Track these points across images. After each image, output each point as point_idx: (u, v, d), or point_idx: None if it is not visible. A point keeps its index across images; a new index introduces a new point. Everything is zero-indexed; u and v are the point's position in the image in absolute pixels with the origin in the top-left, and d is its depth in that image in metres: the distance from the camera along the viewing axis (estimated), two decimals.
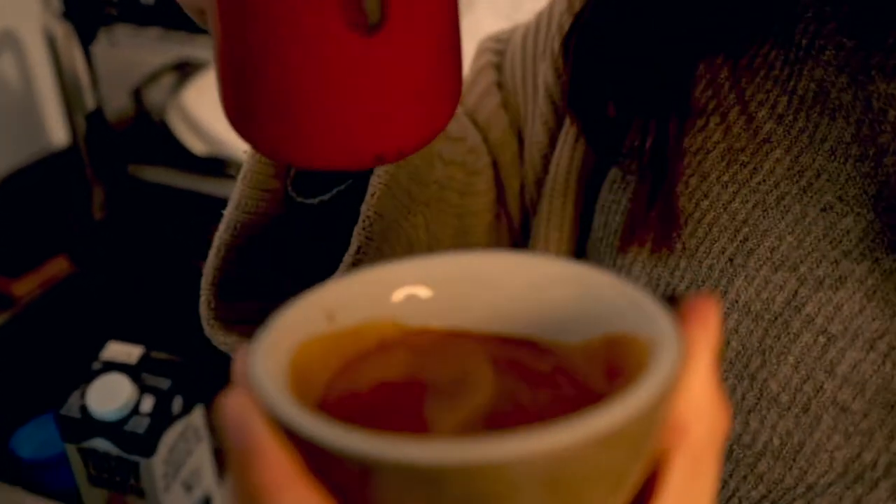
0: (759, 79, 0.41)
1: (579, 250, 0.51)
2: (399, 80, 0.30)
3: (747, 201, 0.40)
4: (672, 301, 0.27)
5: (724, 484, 0.39)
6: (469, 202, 0.50)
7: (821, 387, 0.36)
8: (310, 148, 0.32)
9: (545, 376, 0.28)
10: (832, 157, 0.39)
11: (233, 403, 0.24)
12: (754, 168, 0.41)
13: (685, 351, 0.24)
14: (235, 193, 0.47)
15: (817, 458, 0.36)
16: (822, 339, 0.37)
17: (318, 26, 0.29)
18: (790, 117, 0.40)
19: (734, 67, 0.42)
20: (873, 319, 0.35)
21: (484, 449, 0.20)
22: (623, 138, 0.46)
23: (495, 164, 0.54)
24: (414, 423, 0.26)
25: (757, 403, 0.38)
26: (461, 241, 0.49)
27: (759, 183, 0.40)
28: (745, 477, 0.38)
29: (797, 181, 0.39)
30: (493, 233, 0.54)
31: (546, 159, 0.52)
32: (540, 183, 0.52)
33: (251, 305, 0.50)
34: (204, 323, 0.52)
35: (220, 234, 0.48)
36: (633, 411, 0.21)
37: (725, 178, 0.41)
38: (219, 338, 0.51)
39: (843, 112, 0.38)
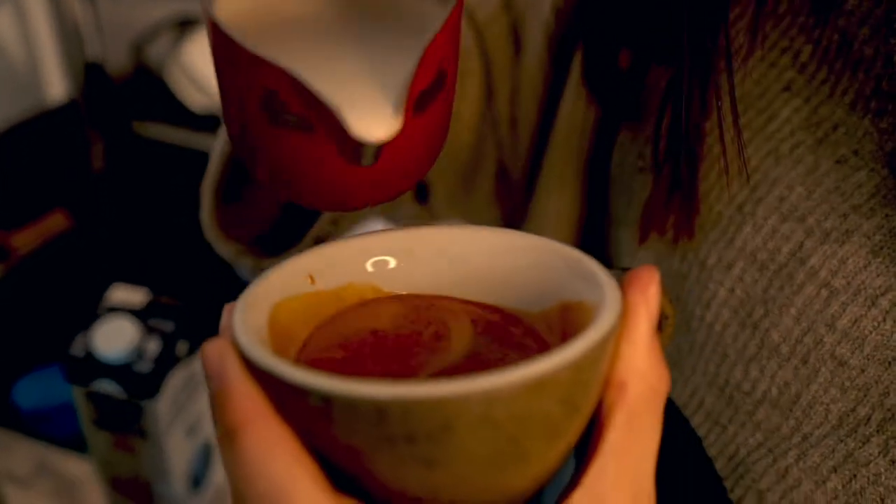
0: (783, 25, 0.40)
1: (590, 206, 0.51)
2: (393, 179, 0.31)
3: (760, 149, 0.40)
4: (626, 271, 0.29)
5: (723, 429, 0.40)
6: (456, 106, 0.50)
7: (820, 340, 0.36)
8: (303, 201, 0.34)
9: (517, 337, 0.30)
10: (851, 111, 0.38)
11: (212, 348, 0.27)
12: (770, 116, 0.40)
13: (624, 316, 0.27)
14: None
15: (813, 409, 0.36)
16: (824, 293, 0.37)
17: (316, 158, 0.30)
18: (813, 67, 0.40)
19: (758, 11, 0.41)
20: (877, 276, 0.35)
21: (424, 387, 0.23)
22: (636, 98, 0.45)
23: (487, 68, 0.53)
24: (396, 371, 0.29)
25: (758, 353, 0.38)
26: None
27: (774, 131, 0.40)
28: (743, 424, 0.39)
29: (813, 132, 0.39)
30: (478, 136, 0.54)
31: (546, 77, 0.51)
32: (539, 102, 0.52)
33: (251, 211, 0.50)
34: (206, 231, 0.52)
35: (221, 141, 0.48)
36: (562, 362, 0.23)
37: (741, 122, 0.40)
38: (220, 247, 0.52)
39: (864, 66, 0.38)
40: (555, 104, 0.51)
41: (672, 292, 0.42)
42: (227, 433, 0.26)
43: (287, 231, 0.53)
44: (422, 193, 0.56)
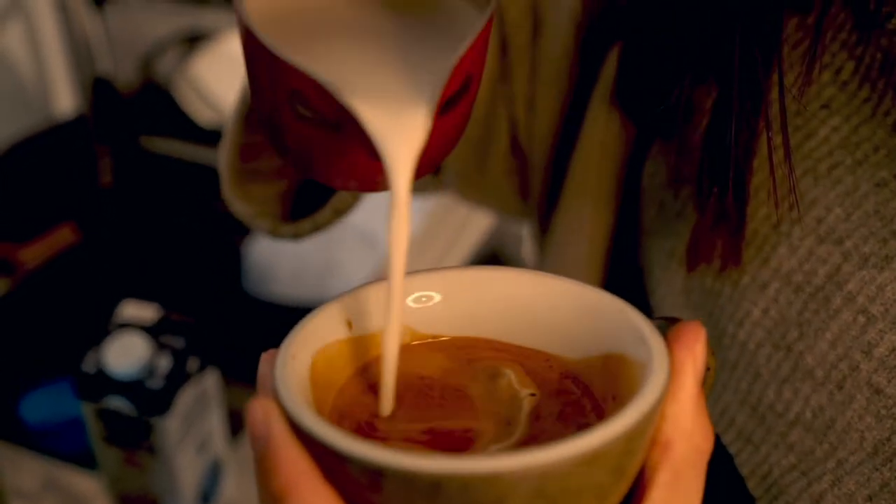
0: (825, 40, 0.39)
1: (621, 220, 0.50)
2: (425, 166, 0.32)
3: (797, 167, 0.39)
4: (669, 321, 0.29)
5: (755, 448, 0.39)
6: None
7: (856, 366, 0.36)
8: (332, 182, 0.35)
9: (570, 393, 0.30)
10: (893, 133, 0.37)
11: (257, 408, 0.27)
12: (808, 134, 0.39)
13: (670, 375, 0.27)
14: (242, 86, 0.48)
15: (848, 435, 0.36)
16: (861, 319, 0.36)
17: (341, 152, 0.31)
18: (854, 85, 0.38)
19: (816, 39, 0.39)
20: None
21: (481, 463, 0.23)
22: (674, 117, 0.43)
23: (504, 46, 0.52)
24: (448, 430, 0.29)
25: (791, 374, 0.38)
26: None
27: (812, 150, 0.39)
28: (776, 444, 0.38)
29: (853, 153, 0.38)
30: (489, 111, 0.53)
31: (571, 67, 0.50)
32: (563, 94, 0.51)
33: (272, 162, 0.50)
34: (223, 189, 0.52)
35: (240, 101, 0.49)
36: (615, 435, 0.24)
37: (777, 140, 0.39)
38: (237, 206, 0.52)
39: None
40: (581, 103, 0.50)
41: (704, 309, 0.42)
42: (274, 499, 0.26)
43: (306, 196, 0.53)
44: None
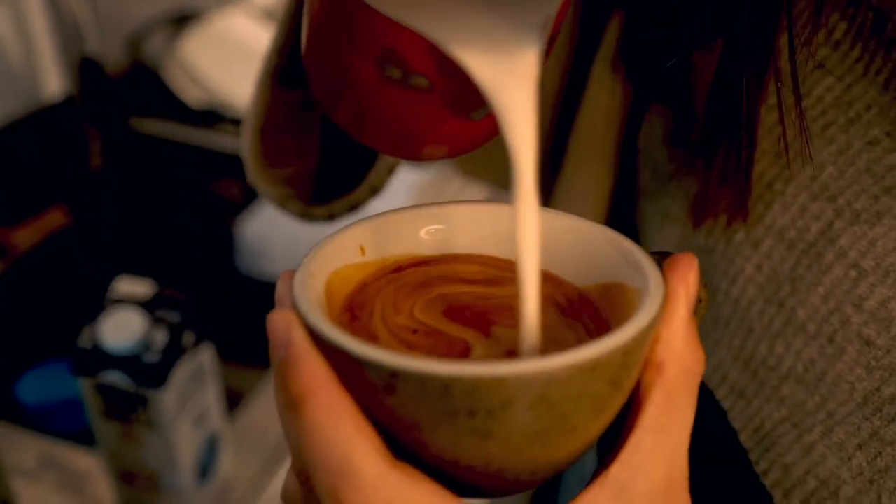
0: (815, 1, 0.39)
1: (619, 189, 0.51)
2: (478, 134, 0.32)
3: (792, 127, 0.39)
4: (663, 255, 0.31)
5: (748, 402, 0.40)
6: None
7: (847, 320, 0.36)
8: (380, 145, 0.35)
9: (568, 301, 0.32)
10: (885, 91, 0.37)
11: (278, 318, 0.28)
12: (803, 93, 0.39)
13: (665, 301, 0.28)
14: (272, 38, 0.48)
15: (838, 387, 0.37)
16: (853, 273, 0.36)
17: (423, 115, 0.30)
18: (847, 45, 0.39)
19: None
20: None
21: (489, 367, 0.24)
22: (677, 78, 0.44)
23: None
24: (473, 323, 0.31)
25: (783, 329, 0.39)
26: None
27: (806, 108, 0.39)
28: (768, 398, 0.39)
29: (846, 111, 0.38)
30: None
31: (572, 32, 0.50)
32: (564, 58, 0.51)
33: (291, 142, 0.50)
34: (249, 173, 0.53)
35: (267, 60, 0.49)
36: (613, 347, 0.25)
37: (771, 100, 0.39)
38: (265, 190, 0.53)
39: None
40: (581, 71, 0.51)
41: (700, 268, 0.43)
42: (292, 402, 0.26)
43: (334, 177, 0.53)
44: None
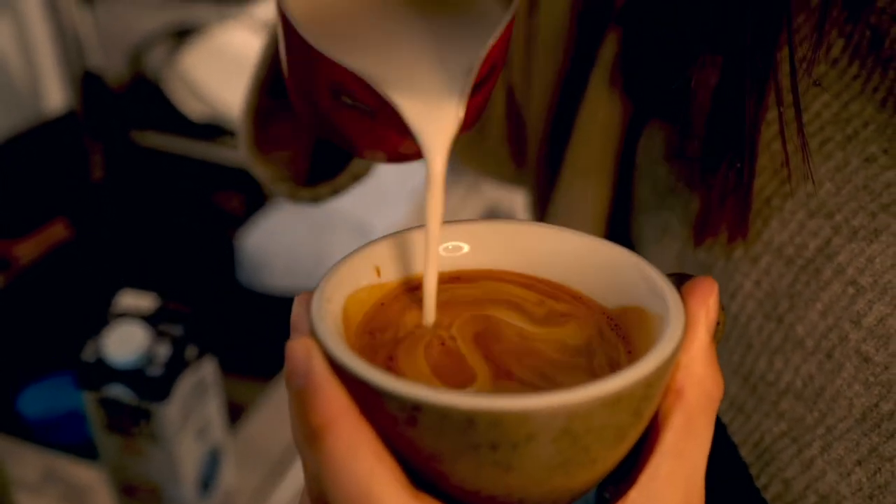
0: (816, 18, 0.39)
1: (617, 200, 0.51)
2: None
3: (790, 143, 0.39)
4: (681, 277, 0.31)
5: (747, 417, 0.40)
6: None
7: (846, 336, 0.36)
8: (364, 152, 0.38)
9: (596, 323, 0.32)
10: (882, 108, 0.37)
11: (297, 347, 0.27)
12: (801, 110, 0.39)
13: (686, 327, 0.28)
14: (260, 51, 0.50)
15: (837, 403, 0.37)
16: (850, 290, 0.37)
17: (377, 135, 0.34)
18: (844, 62, 0.39)
19: (823, 17, 0.39)
20: None
21: (512, 401, 0.24)
22: (676, 94, 0.44)
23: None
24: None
25: (782, 345, 0.39)
26: None
27: (804, 125, 0.39)
28: (767, 413, 0.39)
29: (843, 128, 0.38)
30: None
31: (567, 41, 0.51)
32: (558, 69, 0.52)
33: (285, 129, 0.52)
34: (242, 152, 0.55)
35: (257, 68, 0.50)
36: (636, 380, 0.25)
37: (769, 116, 0.40)
38: (257, 169, 0.54)
39: (894, 63, 0.37)
40: (577, 80, 0.51)
41: None
42: (312, 432, 0.26)
43: (324, 159, 0.54)
44: None
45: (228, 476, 0.91)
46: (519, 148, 0.57)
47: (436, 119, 0.31)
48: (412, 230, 0.33)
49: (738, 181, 0.40)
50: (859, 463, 0.36)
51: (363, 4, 0.36)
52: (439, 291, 0.32)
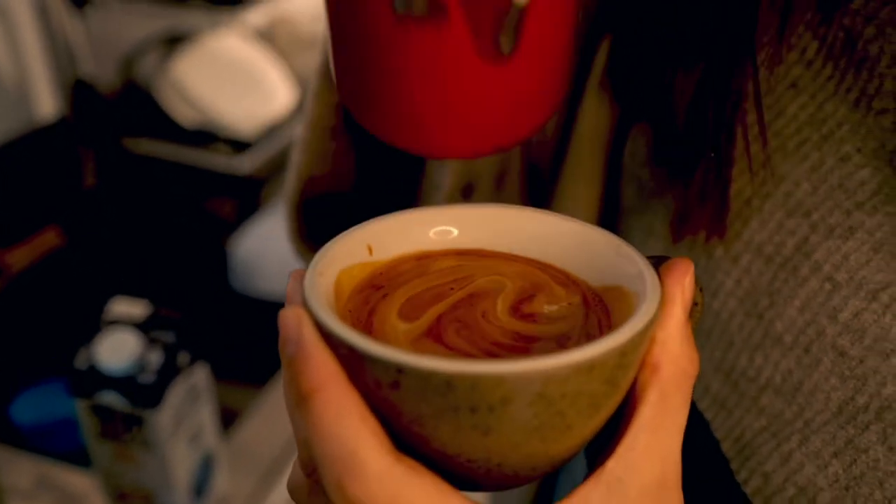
0: (791, 21, 0.40)
1: (607, 203, 0.52)
2: (526, 92, 0.32)
3: (768, 144, 0.40)
4: (660, 259, 0.32)
5: (729, 413, 0.41)
6: None
7: (822, 331, 0.37)
8: (431, 141, 0.33)
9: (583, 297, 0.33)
10: (856, 108, 0.38)
11: (289, 315, 0.28)
12: (778, 112, 0.40)
13: (661, 304, 0.29)
14: (301, 140, 0.51)
15: (814, 397, 0.37)
16: (827, 286, 0.38)
17: (444, 59, 0.30)
18: (819, 63, 0.40)
19: (784, 21, 0.40)
20: (878, 271, 0.36)
21: (490, 365, 0.25)
22: (660, 98, 0.45)
23: None
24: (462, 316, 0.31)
25: (762, 341, 0.40)
26: None
27: (781, 127, 0.40)
28: (748, 408, 0.40)
29: (819, 128, 0.39)
30: None
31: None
32: None
33: (332, 223, 0.53)
34: (290, 242, 0.56)
35: (298, 164, 0.51)
36: (609, 348, 0.26)
37: (748, 118, 0.40)
38: (306, 258, 0.56)
39: (867, 64, 0.38)
40: (575, 92, 0.52)
41: None
42: (302, 396, 0.27)
43: None
44: (467, 191, 0.58)
45: (221, 482, 0.91)
46: (535, 202, 0.59)
47: None
48: (406, 212, 0.35)
49: (715, 181, 0.41)
50: (836, 455, 0.37)
51: None
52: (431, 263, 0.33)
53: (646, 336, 0.28)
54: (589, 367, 0.26)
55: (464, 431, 0.26)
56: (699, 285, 0.32)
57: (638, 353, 0.28)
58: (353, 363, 0.27)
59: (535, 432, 0.27)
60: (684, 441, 0.30)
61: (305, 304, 0.29)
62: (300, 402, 0.27)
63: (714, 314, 0.42)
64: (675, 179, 0.45)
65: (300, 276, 0.30)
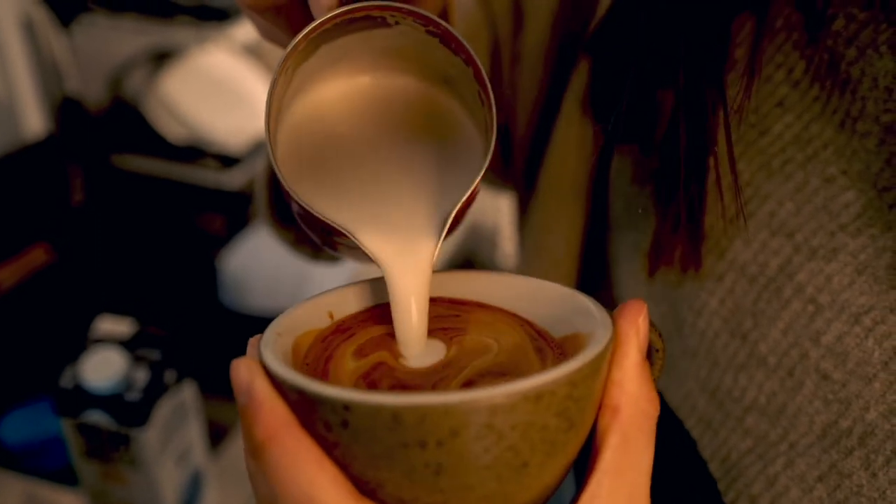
0: (779, 40, 0.40)
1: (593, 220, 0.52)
2: None
3: (752, 162, 0.40)
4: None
5: (715, 433, 0.41)
6: None
7: (806, 354, 0.37)
8: None
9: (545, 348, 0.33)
10: (841, 130, 0.38)
11: (240, 365, 0.29)
12: (763, 131, 0.40)
13: (616, 345, 0.29)
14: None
15: (798, 419, 0.37)
16: (810, 308, 0.37)
17: None
18: (806, 83, 0.39)
19: (757, 25, 0.40)
20: (861, 294, 0.36)
21: (434, 396, 0.25)
22: (640, 121, 0.45)
23: (494, 38, 0.55)
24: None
25: (747, 362, 0.39)
26: None
27: (766, 146, 0.40)
28: (734, 429, 0.40)
29: (804, 149, 0.39)
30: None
31: (547, 58, 0.52)
32: (539, 84, 0.53)
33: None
34: (262, 220, 0.57)
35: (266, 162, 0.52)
36: (555, 377, 0.26)
37: (734, 136, 0.40)
38: (277, 235, 0.56)
39: (850, 86, 0.37)
40: (555, 98, 0.52)
41: (666, 299, 0.43)
42: (256, 446, 0.27)
43: None
44: None
45: (211, 499, 0.91)
46: (505, 153, 0.59)
47: (411, 270, 0.33)
48: (370, 281, 0.36)
49: (689, 213, 0.41)
50: (820, 479, 0.36)
51: (349, 140, 0.37)
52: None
53: (596, 368, 0.28)
54: (536, 395, 0.26)
55: (416, 472, 0.26)
56: (658, 331, 0.32)
57: (590, 387, 0.28)
58: (304, 407, 0.27)
59: (488, 470, 0.26)
60: (673, 462, 0.30)
61: (259, 357, 0.29)
62: (255, 452, 0.28)
63: (699, 333, 0.42)
64: (653, 205, 0.45)
65: (258, 341, 0.31)
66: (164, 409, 0.78)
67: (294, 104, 0.36)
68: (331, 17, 0.30)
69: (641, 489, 0.29)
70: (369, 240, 0.33)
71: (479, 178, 0.33)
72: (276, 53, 0.33)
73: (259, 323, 0.31)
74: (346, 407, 0.26)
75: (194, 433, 0.85)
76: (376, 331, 0.34)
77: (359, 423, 0.26)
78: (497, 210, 1.80)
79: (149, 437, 0.76)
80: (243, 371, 0.28)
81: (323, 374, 0.31)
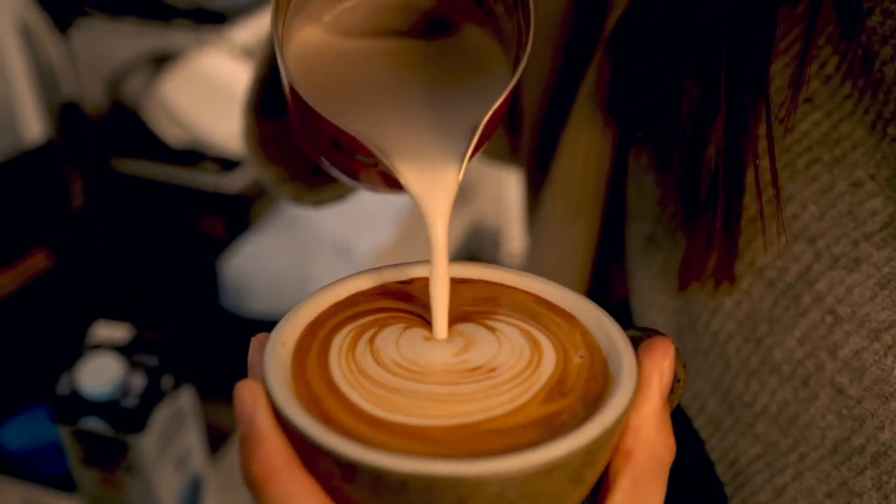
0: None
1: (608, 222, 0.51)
2: None
3: (776, 161, 0.38)
4: (645, 332, 0.30)
5: (724, 435, 0.40)
6: None
7: (821, 365, 0.36)
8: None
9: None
10: (871, 132, 0.36)
11: (244, 392, 0.28)
12: (789, 128, 0.38)
13: (637, 389, 0.28)
14: (251, 74, 0.50)
15: (810, 431, 0.36)
16: (829, 319, 0.36)
17: (375, 176, 0.35)
18: (837, 80, 0.37)
19: (789, 15, 0.38)
20: (882, 308, 0.34)
21: (445, 466, 0.24)
22: (661, 122, 0.42)
23: None
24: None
25: (759, 368, 0.38)
26: None
27: (791, 144, 0.38)
28: (743, 433, 0.39)
29: (831, 149, 0.37)
30: None
31: (558, 48, 0.50)
32: (550, 66, 0.51)
33: (288, 138, 0.51)
34: (247, 152, 0.54)
35: (257, 68, 0.50)
36: (575, 448, 0.25)
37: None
38: (261, 171, 0.54)
39: (884, 87, 0.35)
40: (566, 94, 0.50)
41: (681, 298, 0.42)
42: (255, 481, 0.27)
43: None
44: None
45: None
46: (516, 136, 0.57)
47: (436, 187, 0.31)
48: (377, 269, 0.34)
49: (725, 227, 0.39)
50: (830, 496, 0.35)
51: (365, 60, 0.36)
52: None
53: (616, 430, 0.27)
54: (550, 468, 0.25)
55: None
56: (682, 361, 0.30)
57: (607, 449, 0.27)
58: (307, 449, 0.26)
59: None
60: (680, 464, 0.30)
61: (263, 380, 0.28)
62: (253, 486, 0.27)
63: (713, 333, 0.40)
64: (680, 223, 0.43)
65: (261, 345, 0.29)
66: (161, 416, 0.77)
67: (304, 26, 0.35)
68: None
69: None
70: (391, 155, 0.32)
71: (513, 84, 0.31)
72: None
73: (259, 326, 0.30)
74: (351, 465, 0.25)
75: (193, 438, 0.85)
76: (384, 314, 0.33)
77: (364, 480, 0.25)
78: (500, 212, 1.80)
79: (146, 443, 0.76)
80: (247, 397, 0.27)
81: (323, 369, 0.30)
